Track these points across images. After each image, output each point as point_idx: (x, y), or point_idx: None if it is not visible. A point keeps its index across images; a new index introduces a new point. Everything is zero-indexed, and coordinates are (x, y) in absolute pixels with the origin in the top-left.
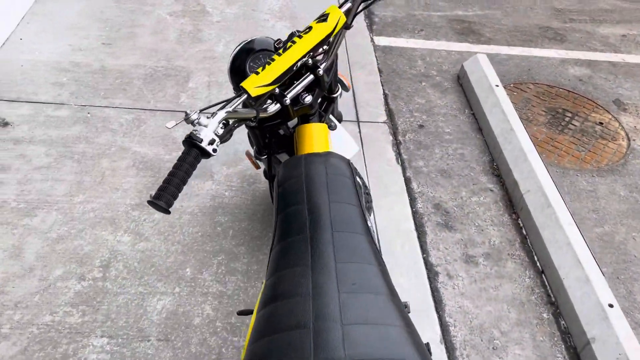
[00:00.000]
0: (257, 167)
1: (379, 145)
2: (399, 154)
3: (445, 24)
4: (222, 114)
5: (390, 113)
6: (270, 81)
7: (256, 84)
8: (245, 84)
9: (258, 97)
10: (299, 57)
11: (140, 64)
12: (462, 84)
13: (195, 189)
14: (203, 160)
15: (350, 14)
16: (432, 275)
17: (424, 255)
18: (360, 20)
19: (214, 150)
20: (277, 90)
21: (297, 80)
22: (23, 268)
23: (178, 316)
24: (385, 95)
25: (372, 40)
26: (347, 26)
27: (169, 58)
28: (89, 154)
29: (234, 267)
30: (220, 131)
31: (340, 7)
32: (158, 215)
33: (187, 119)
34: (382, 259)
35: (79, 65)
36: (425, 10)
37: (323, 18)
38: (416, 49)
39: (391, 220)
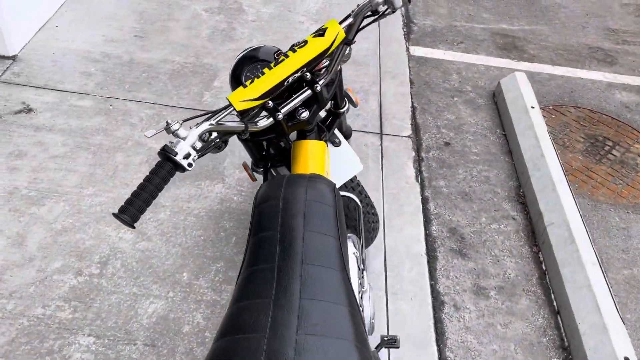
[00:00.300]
0: (254, 179)
1: (399, 161)
2: (419, 172)
3: (487, 37)
4: (203, 127)
5: (416, 127)
6: (257, 96)
7: (242, 97)
8: (231, 97)
9: (244, 112)
10: (290, 73)
11: (169, 59)
12: (496, 102)
13: (204, 191)
14: (216, 161)
15: (352, 30)
16: (437, 304)
17: (432, 282)
18: (397, 28)
19: (190, 165)
20: (270, 103)
21: (294, 94)
22: (23, 257)
23: (168, 322)
24: (414, 109)
25: (407, 49)
26: (347, 42)
27: (198, 55)
28: (105, 146)
29: (231, 276)
30: (199, 145)
31: (341, 22)
32: (163, 215)
33: (168, 129)
34: (355, 300)
35: (109, 57)
36: (468, 22)
37: (320, 32)
38: (453, 62)
39: (402, 241)
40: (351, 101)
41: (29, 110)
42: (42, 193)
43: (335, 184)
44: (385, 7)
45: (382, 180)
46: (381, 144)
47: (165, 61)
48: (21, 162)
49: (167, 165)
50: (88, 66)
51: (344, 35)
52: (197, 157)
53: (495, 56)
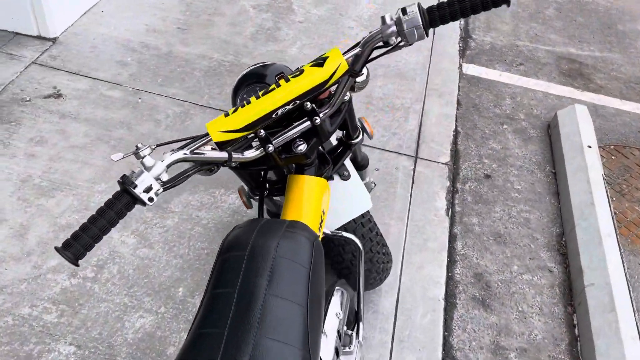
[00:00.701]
0: (249, 207)
1: (430, 190)
2: (451, 204)
3: (551, 60)
4: (174, 157)
5: (455, 154)
6: (238, 127)
7: (222, 127)
8: (210, 125)
9: (222, 144)
10: (279, 105)
11: (207, 55)
12: (550, 135)
13: (217, 200)
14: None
15: (359, 61)
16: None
17: (446, 333)
18: (452, 42)
19: (151, 200)
20: (262, 132)
21: (293, 122)
22: (22, 250)
23: (154, 340)
24: (456, 133)
25: (460, 66)
26: (353, 74)
27: (238, 53)
28: (125, 141)
29: None
30: (166, 176)
31: (346, 51)
32: (170, 221)
33: (137, 155)
34: None
35: (148, 47)
36: (532, 42)
37: (319, 62)
38: (508, 85)
39: (419, 281)
40: (366, 132)
41: (59, 95)
42: (54, 184)
43: (317, 237)
44: (399, 39)
45: (409, 209)
46: (414, 169)
47: (202, 57)
48: (40, 149)
49: (124, 198)
50: (125, 55)
51: (346, 66)
52: (162, 190)
53: (557, 83)
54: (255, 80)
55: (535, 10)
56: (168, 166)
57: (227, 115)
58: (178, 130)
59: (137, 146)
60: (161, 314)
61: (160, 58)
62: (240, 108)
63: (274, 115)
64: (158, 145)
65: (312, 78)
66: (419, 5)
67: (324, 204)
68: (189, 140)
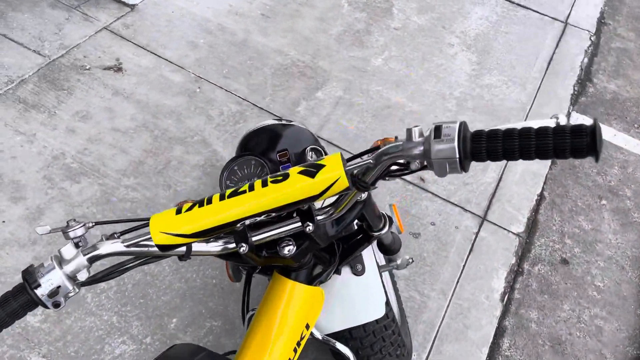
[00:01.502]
0: (233, 280)
1: (490, 264)
2: (510, 288)
3: None
4: (108, 249)
5: (532, 225)
6: (187, 232)
7: (167, 227)
8: (155, 220)
9: (165, 247)
10: (247, 216)
11: (284, 50)
12: None
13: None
14: None
15: (370, 175)
16: None
17: None
18: (567, 83)
19: (56, 305)
20: (245, 222)
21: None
22: (29, 237)
23: None
24: (540, 198)
25: (568, 114)
26: (362, 188)
27: (316, 54)
28: (169, 134)
29: (223, 343)
30: (84, 275)
31: (352, 157)
32: None
33: (66, 234)
34: None
35: (224, 31)
36: None
37: (310, 170)
38: (622, 150)
39: None
40: (391, 223)
41: (119, 69)
42: (84, 168)
43: None
44: (421, 166)
45: (457, 282)
46: (477, 233)
47: (278, 52)
48: (82, 125)
49: (21, 298)
50: (198, 36)
51: (346, 184)
52: (77, 291)
53: None
54: (258, 146)
55: None
56: (93, 262)
57: (178, 211)
58: (227, 132)
59: (68, 223)
60: (145, 344)
61: (233, 45)
62: (196, 207)
63: (238, 226)
64: (97, 223)
65: (296, 190)
66: (462, 127)
67: (310, 317)
68: (137, 225)
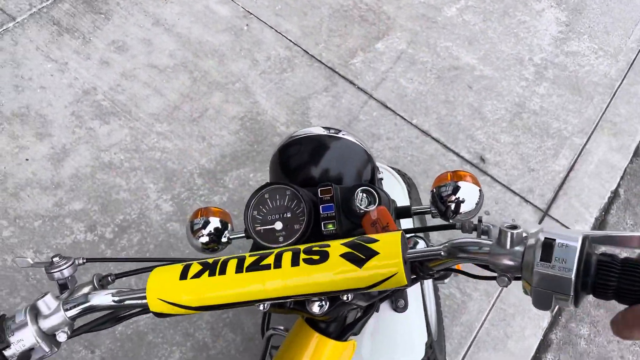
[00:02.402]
0: None
1: None
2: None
3: None
4: (96, 300)
5: (600, 226)
6: (191, 305)
7: (167, 294)
8: (154, 281)
9: (162, 315)
10: (268, 298)
11: None
12: None
13: None
14: None
15: (438, 265)
16: None
17: None
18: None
19: None
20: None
21: None
22: (52, 180)
23: (142, 343)
24: (614, 195)
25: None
26: (425, 276)
27: None
28: (210, 77)
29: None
30: (64, 336)
31: (413, 235)
32: (218, 198)
33: (49, 273)
34: None
35: None
36: None
37: (357, 257)
38: None
39: None
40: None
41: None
42: (115, 107)
43: None
44: (507, 279)
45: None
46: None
47: None
48: (117, 57)
49: None
50: None
51: (404, 281)
52: (55, 350)
53: None
54: (297, 167)
55: None
56: (76, 319)
57: (183, 274)
58: (272, 82)
59: (52, 259)
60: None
61: None
62: (205, 274)
63: (256, 305)
64: (89, 260)
65: (335, 279)
66: (584, 251)
67: None
68: (139, 267)
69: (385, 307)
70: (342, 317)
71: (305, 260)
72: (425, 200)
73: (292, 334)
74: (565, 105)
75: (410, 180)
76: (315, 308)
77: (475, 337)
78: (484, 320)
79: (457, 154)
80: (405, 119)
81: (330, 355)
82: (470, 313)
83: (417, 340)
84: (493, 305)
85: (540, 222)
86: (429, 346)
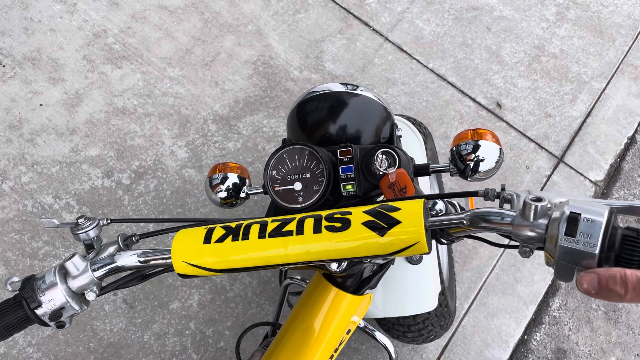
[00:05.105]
0: None
1: None
2: None
3: None
4: (122, 261)
5: (615, 173)
6: (215, 267)
7: (193, 258)
8: (178, 243)
9: (186, 276)
10: (289, 262)
11: None
12: None
13: None
14: None
15: (459, 233)
16: None
17: None
18: None
19: (60, 326)
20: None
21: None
22: (67, 126)
23: (161, 286)
24: (631, 142)
25: None
26: (446, 242)
27: None
28: (221, 19)
29: None
30: (92, 295)
31: (434, 203)
32: (232, 144)
33: (75, 234)
34: None
35: None
36: None
37: (379, 225)
38: None
39: (483, 331)
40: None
41: None
42: (127, 51)
43: None
44: (530, 250)
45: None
46: (549, 176)
47: None
48: None
49: (18, 312)
50: None
51: (425, 249)
52: (85, 309)
53: None
54: (314, 124)
55: None
56: (104, 278)
57: (207, 237)
58: (285, 23)
59: (77, 220)
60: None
61: None
62: (229, 239)
63: (282, 269)
64: (113, 221)
65: (357, 246)
66: (610, 225)
67: (353, 323)
68: (162, 227)
69: (400, 259)
70: (359, 272)
71: (327, 228)
72: (440, 147)
73: (311, 287)
74: (586, 47)
75: (426, 130)
76: (334, 266)
77: (485, 282)
78: (494, 265)
79: (474, 100)
80: (421, 63)
81: (348, 309)
82: (480, 258)
83: (431, 291)
84: (504, 251)
85: (553, 170)
86: (441, 293)
